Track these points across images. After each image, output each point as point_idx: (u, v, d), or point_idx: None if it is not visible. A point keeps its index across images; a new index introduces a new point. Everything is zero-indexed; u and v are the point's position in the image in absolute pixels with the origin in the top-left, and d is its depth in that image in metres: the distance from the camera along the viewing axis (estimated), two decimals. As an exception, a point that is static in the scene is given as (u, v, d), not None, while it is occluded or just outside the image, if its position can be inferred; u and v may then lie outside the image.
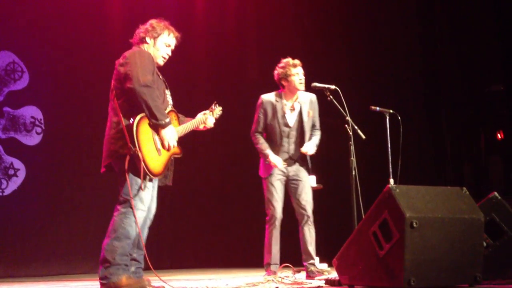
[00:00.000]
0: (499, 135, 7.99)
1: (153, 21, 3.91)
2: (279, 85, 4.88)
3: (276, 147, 4.81)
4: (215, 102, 4.29)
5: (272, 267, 4.75)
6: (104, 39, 6.99)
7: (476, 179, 7.92)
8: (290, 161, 4.81)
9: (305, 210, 4.76)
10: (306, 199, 4.80)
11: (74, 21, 6.83)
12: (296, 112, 4.82)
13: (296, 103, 4.84)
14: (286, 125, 4.79)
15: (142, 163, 3.53)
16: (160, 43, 3.87)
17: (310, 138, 4.86)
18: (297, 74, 4.75)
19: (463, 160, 8.01)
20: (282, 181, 4.80)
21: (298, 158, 4.84)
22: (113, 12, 7.15)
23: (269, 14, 8.09)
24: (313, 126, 4.91)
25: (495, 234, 3.65)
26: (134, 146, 3.52)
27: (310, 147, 4.78)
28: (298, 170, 4.82)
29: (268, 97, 4.85)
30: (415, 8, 8.06)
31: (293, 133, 4.82)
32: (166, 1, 7.53)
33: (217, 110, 4.24)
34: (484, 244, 3.47)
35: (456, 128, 7.93)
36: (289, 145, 4.80)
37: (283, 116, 4.80)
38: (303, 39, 8.06)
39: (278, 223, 4.76)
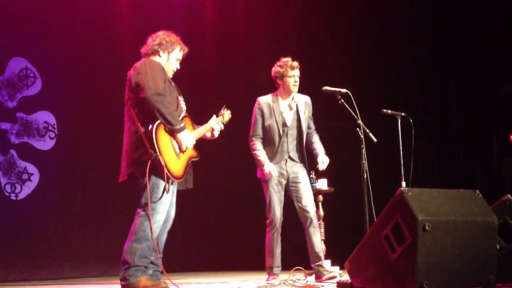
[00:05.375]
0: (512, 137, 7.92)
1: (165, 35, 3.97)
2: (275, 83, 4.88)
3: (275, 147, 4.76)
4: (224, 105, 4.33)
5: (275, 270, 4.73)
6: (115, 45, 7.05)
7: (489, 182, 7.86)
8: (290, 161, 4.78)
9: (308, 212, 4.71)
10: (308, 201, 4.74)
11: (85, 27, 6.89)
12: (293, 111, 4.82)
13: (292, 102, 4.84)
14: (284, 124, 4.77)
15: (164, 167, 3.62)
16: (173, 58, 3.98)
17: (309, 137, 4.88)
18: (293, 77, 4.75)
19: (476, 163, 7.95)
20: (282, 183, 4.77)
21: (297, 158, 4.81)
22: (124, 17, 7.20)
23: (279, 18, 8.09)
24: (309, 128, 4.91)
25: (509, 237, 3.63)
26: (155, 151, 3.61)
27: (325, 158, 4.78)
28: (297, 172, 4.78)
29: (265, 99, 4.85)
30: (425, 11, 8.04)
31: (292, 132, 4.79)
32: (175, 6, 7.57)
33: (226, 114, 4.33)
34: (498, 246, 3.45)
35: (468, 130, 7.89)
36: (288, 145, 4.77)
37: (281, 115, 4.77)
38: (313, 42, 8.06)
39: (278, 225, 4.72)
